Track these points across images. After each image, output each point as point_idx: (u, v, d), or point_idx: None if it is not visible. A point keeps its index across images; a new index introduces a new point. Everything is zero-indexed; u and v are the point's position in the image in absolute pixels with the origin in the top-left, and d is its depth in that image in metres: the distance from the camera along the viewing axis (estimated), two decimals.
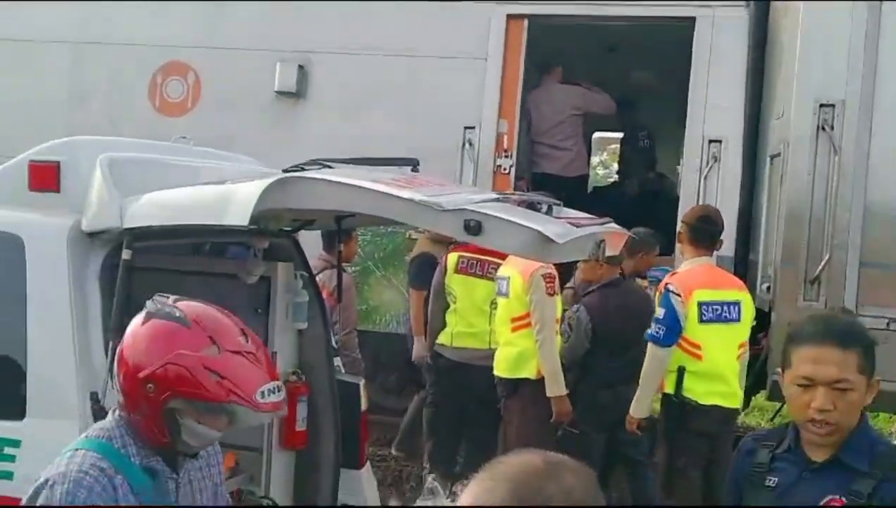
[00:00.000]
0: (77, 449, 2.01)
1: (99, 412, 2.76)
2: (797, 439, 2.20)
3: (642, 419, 4.65)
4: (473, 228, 2.61)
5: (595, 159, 18.89)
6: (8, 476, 2.76)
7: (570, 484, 1.23)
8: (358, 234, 6.17)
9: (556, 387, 4.89)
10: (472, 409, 5.48)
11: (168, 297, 2.12)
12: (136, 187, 2.92)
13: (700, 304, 4.45)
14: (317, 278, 4.26)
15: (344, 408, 3.91)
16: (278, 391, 2.06)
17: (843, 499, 2.09)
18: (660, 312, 4.49)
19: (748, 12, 6.15)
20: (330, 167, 3.17)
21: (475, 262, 5.49)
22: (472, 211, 2.63)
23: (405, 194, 2.68)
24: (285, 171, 3.01)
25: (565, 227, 2.80)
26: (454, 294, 5.50)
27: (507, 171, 6.73)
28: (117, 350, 2.10)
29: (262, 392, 2.01)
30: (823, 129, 5.17)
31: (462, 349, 5.45)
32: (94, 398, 2.76)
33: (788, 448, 2.22)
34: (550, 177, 7.22)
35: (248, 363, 2.02)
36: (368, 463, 4.13)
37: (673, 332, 4.44)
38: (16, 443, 2.76)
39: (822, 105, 5.19)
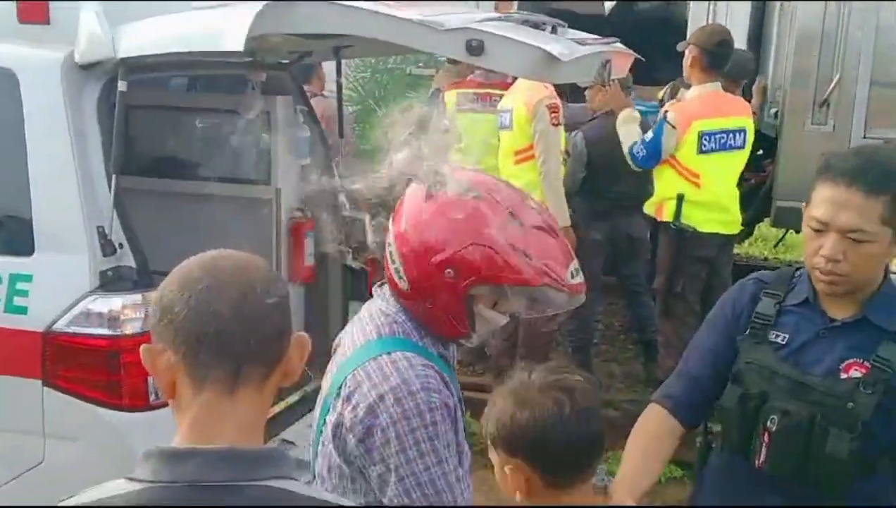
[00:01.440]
0: (387, 353, 1.69)
1: (107, 246, 2.78)
2: (814, 292, 1.95)
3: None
4: (476, 48, 2.54)
5: None
6: (23, 310, 2.81)
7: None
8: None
9: (561, 218, 4.90)
10: None
11: (435, 163, 1.73)
12: (127, 17, 2.83)
13: (701, 134, 4.39)
14: None
15: (350, 242, 3.94)
16: (579, 271, 1.74)
17: (867, 364, 1.86)
18: (648, 134, 4.47)
19: None
20: None
21: (475, 96, 5.38)
22: (475, 30, 2.55)
23: (404, 14, 2.60)
24: None
25: (570, 45, 2.72)
26: (456, 134, 5.42)
27: None
28: (393, 232, 1.75)
29: (571, 272, 1.71)
30: None
31: None
32: (101, 232, 2.77)
33: (805, 300, 1.97)
34: (565, 12, 7.01)
35: (553, 240, 1.71)
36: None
37: (651, 158, 4.46)
38: (28, 278, 2.79)
39: None
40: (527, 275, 1.66)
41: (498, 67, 2.75)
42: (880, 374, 1.85)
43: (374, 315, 1.79)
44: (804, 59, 5.12)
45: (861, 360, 1.87)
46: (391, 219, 1.77)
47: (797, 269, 2.05)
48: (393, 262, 1.74)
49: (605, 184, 5.12)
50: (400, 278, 1.74)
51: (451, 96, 5.43)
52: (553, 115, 4.83)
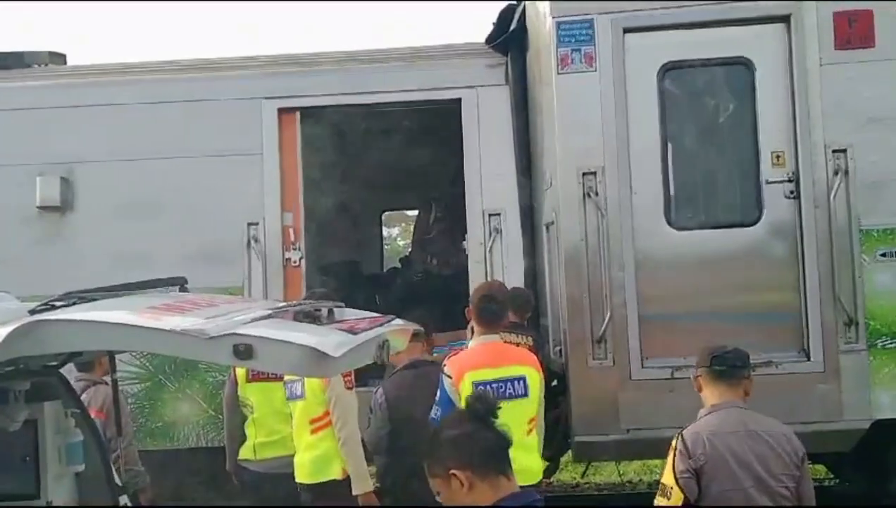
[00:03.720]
0: None
1: None
2: None
3: None
4: (244, 352, 2.48)
5: (394, 231, 19.22)
6: None
7: None
8: None
9: (363, 484, 4.73)
10: None
11: None
12: None
13: (475, 384, 4.40)
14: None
15: None
16: None
17: None
18: (438, 394, 4.50)
19: (508, 90, 6.46)
20: (88, 299, 2.95)
21: None
22: (241, 335, 2.50)
23: (167, 324, 2.52)
24: (33, 311, 2.77)
25: (342, 336, 2.72)
26: (250, 404, 5.25)
27: (297, 264, 6.63)
28: None
29: None
30: (589, 195, 5.44)
31: (268, 459, 5.19)
32: None
33: None
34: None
35: None
36: None
37: (448, 412, 4.44)
38: None
39: (584, 173, 5.47)
40: None
41: (269, 368, 2.71)
42: None
43: None
44: (575, 300, 5.44)
45: None
46: None
47: None
48: None
49: (411, 440, 5.02)
50: None
51: (241, 370, 5.27)
52: (346, 378, 4.79)
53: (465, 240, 6.87)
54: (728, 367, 3.66)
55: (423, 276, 8.29)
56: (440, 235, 8.55)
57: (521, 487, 4.43)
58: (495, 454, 2.51)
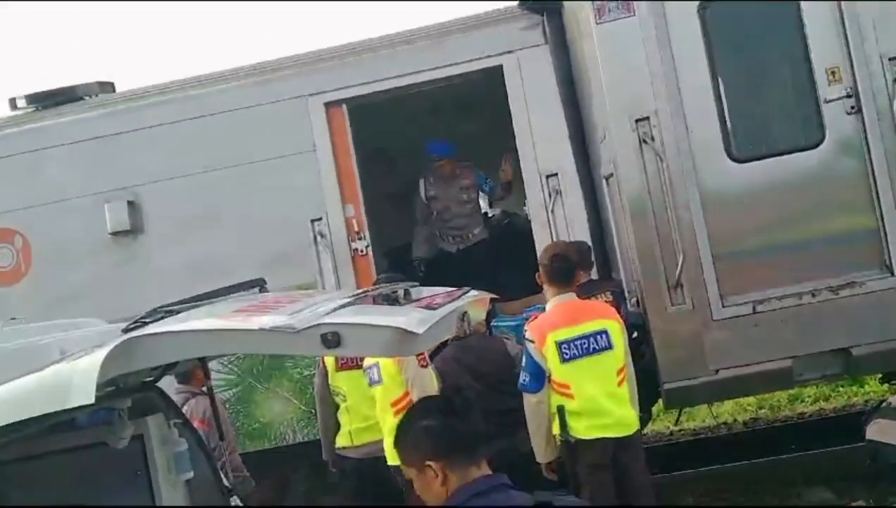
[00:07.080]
0: None
1: None
2: None
3: (550, 461, 4.62)
4: (332, 340, 2.54)
5: None
6: None
7: None
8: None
9: None
10: (391, 502, 5.33)
11: None
12: None
13: (559, 345, 4.48)
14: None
15: None
16: None
17: None
18: (524, 359, 4.58)
19: (548, 48, 6.40)
20: (174, 312, 3.05)
21: None
22: (327, 324, 2.56)
23: (254, 324, 2.59)
24: (125, 329, 2.87)
25: (422, 313, 2.76)
26: (342, 393, 5.37)
27: (364, 252, 6.72)
28: None
29: None
30: (645, 141, 5.38)
31: (365, 444, 5.31)
32: None
33: None
34: None
35: None
36: None
37: (537, 377, 4.50)
38: None
39: (637, 120, 5.40)
40: None
41: (357, 353, 2.77)
42: None
43: None
44: (646, 248, 5.38)
45: None
46: None
47: None
48: None
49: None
50: None
51: (329, 359, 5.40)
52: (419, 356, 4.84)
53: (525, 205, 6.86)
54: None
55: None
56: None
57: (616, 439, 4.52)
58: (468, 446, 2.41)
